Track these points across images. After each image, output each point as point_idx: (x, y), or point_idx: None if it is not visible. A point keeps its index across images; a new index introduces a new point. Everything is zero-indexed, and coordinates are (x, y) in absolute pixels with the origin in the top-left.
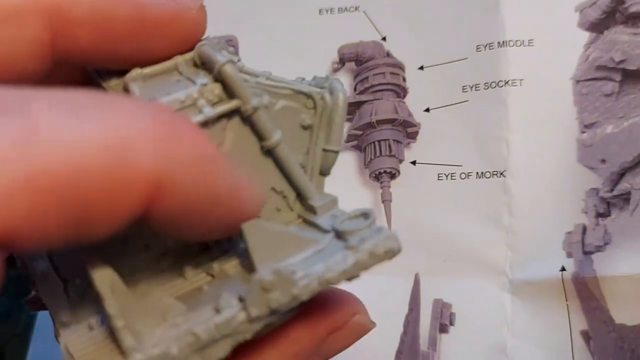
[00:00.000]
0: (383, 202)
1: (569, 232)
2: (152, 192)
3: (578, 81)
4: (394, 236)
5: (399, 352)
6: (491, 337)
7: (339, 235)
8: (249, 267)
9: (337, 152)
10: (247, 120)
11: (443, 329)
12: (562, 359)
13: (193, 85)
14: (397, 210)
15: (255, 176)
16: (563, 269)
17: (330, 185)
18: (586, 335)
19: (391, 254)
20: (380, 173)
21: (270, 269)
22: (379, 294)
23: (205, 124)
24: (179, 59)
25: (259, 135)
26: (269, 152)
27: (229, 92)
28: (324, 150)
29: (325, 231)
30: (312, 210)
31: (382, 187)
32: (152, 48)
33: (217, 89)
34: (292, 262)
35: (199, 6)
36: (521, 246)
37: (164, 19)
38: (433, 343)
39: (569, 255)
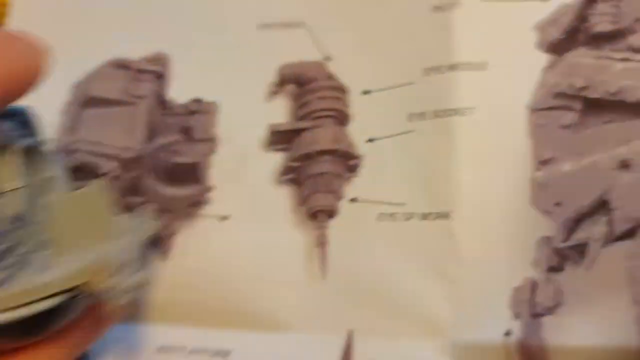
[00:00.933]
0: (319, 245)
1: (517, 288)
2: None
3: (534, 110)
4: None
5: None
6: None
7: None
8: None
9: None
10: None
11: None
12: None
13: None
14: (334, 255)
15: None
16: (508, 333)
17: (262, 224)
18: None
19: None
20: (316, 212)
21: None
22: (305, 354)
23: None
24: None
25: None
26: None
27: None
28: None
29: None
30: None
31: (318, 228)
32: None
33: None
34: None
35: None
36: (466, 301)
37: None
38: None
39: (517, 315)
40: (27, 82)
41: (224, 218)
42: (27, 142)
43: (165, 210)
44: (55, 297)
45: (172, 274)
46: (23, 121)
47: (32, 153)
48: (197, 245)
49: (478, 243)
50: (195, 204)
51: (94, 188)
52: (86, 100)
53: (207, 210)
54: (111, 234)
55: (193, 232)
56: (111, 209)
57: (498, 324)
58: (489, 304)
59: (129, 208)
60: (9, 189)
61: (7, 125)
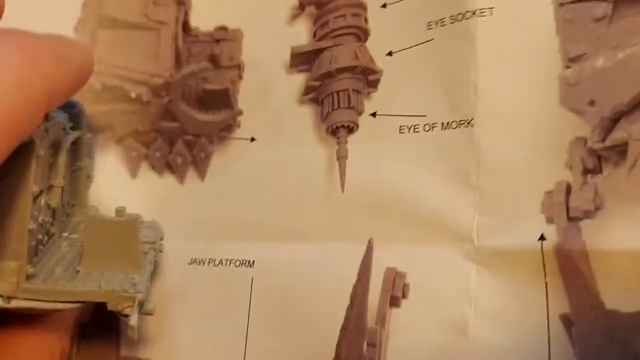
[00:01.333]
0: (338, 159)
1: (549, 192)
2: None
3: (561, 4)
4: None
5: (343, 328)
6: (450, 314)
7: None
8: None
9: (92, 177)
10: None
11: (394, 302)
12: (535, 346)
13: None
14: (354, 168)
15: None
16: (543, 238)
17: (287, 142)
18: (567, 320)
19: None
20: (337, 127)
21: None
22: (325, 262)
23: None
24: None
25: (78, 158)
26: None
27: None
28: (87, 175)
29: None
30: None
31: (338, 143)
32: None
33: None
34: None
35: None
36: (491, 208)
37: None
38: (382, 319)
39: (550, 220)
40: (83, 79)
41: (253, 139)
42: (74, 136)
43: (200, 134)
44: (78, 303)
45: (207, 193)
46: (74, 114)
47: (74, 145)
48: (229, 165)
49: (503, 149)
50: (226, 128)
51: (127, 222)
52: (101, 20)
53: (237, 133)
54: (136, 263)
55: (226, 154)
56: (138, 242)
57: (530, 229)
58: (517, 209)
59: (164, 133)
60: (57, 185)
61: (63, 117)
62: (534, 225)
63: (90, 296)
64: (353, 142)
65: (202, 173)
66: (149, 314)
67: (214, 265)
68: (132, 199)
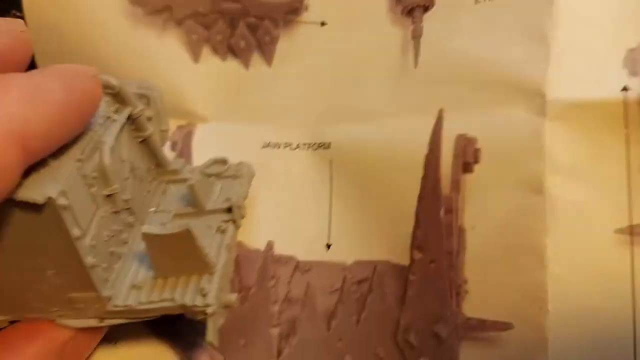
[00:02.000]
0: (413, 38)
1: (632, 49)
2: None
3: None
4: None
5: (420, 198)
6: (524, 172)
7: (206, 175)
8: None
9: (167, 130)
10: (133, 119)
11: (467, 168)
12: (614, 198)
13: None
14: (427, 44)
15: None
16: (625, 89)
17: (360, 26)
18: None
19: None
20: (413, 8)
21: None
22: (399, 136)
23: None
24: None
25: (139, 129)
26: (144, 141)
27: (123, 102)
28: (160, 130)
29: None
30: (175, 172)
31: (413, 23)
32: None
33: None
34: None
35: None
36: (566, 61)
37: None
38: (456, 185)
39: (634, 73)
40: (92, 109)
41: (323, 24)
42: (115, 131)
43: (263, 17)
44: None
45: (275, 79)
46: (149, 98)
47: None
48: (298, 50)
49: (582, 5)
50: (293, 11)
51: (181, 233)
52: None
53: (305, 16)
54: (206, 265)
55: (293, 39)
56: (199, 249)
57: (610, 80)
58: (595, 62)
59: (225, 14)
60: (112, 193)
61: (143, 103)
62: (615, 77)
63: (167, 311)
64: (428, 20)
65: (268, 58)
66: (231, 306)
67: (291, 149)
68: (197, 85)
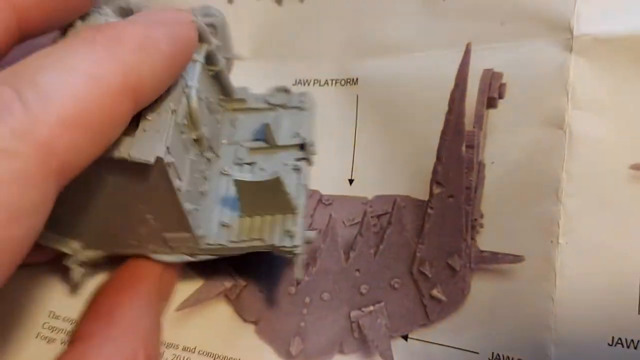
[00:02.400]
0: None
1: None
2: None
3: None
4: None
5: (443, 133)
6: (546, 108)
7: (272, 105)
8: None
9: (232, 58)
10: (207, 55)
11: (491, 103)
12: (633, 134)
13: None
14: None
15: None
16: None
17: None
18: None
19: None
20: None
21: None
22: (425, 71)
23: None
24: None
25: (211, 63)
26: (215, 74)
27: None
28: (225, 58)
29: (265, 108)
30: (241, 101)
31: None
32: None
33: None
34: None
35: None
36: None
37: None
38: (479, 120)
39: None
40: (178, 61)
41: None
42: (197, 73)
43: None
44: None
45: (306, 13)
46: (215, 26)
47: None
48: None
49: None
50: None
51: (270, 181)
52: None
53: None
54: (291, 207)
55: None
56: (286, 194)
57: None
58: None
59: None
60: (200, 137)
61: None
62: None
63: (255, 249)
64: None
65: None
66: (311, 242)
67: (319, 85)
68: (231, 24)
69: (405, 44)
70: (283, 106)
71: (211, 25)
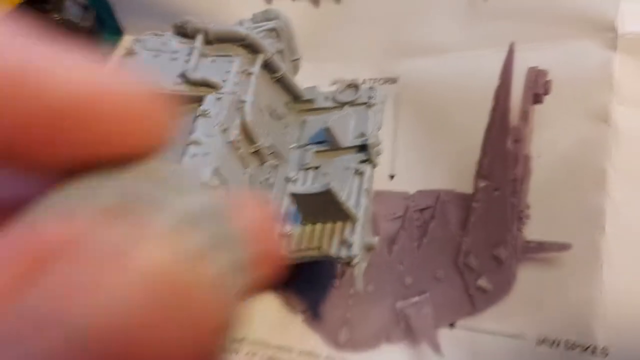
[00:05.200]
0: None
1: None
2: None
3: None
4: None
5: (488, 129)
6: (591, 104)
7: (340, 102)
8: None
9: (299, 59)
10: (266, 63)
11: (537, 99)
12: None
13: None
14: None
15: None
16: None
17: None
18: None
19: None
20: None
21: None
22: (468, 70)
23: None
24: None
25: (273, 71)
26: (278, 80)
27: (254, 50)
28: (292, 61)
29: (333, 107)
30: (310, 102)
31: None
32: None
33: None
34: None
35: None
36: None
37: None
38: (524, 116)
39: None
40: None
41: None
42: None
43: None
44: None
45: (343, 15)
46: (277, 30)
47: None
48: None
49: None
50: None
51: (322, 193)
52: None
53: None
54: (348, 216)
55: None
56: (340, 203)
57: None
58: None
59: None
60: (260, 148)
61: (272, 37)
62: None
63: (313, 257)
64: None
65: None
66: (373, 249)
67: (361, 82)
68: None
69: (447, 44)
70: (351, 103)
71: (272, 30)
